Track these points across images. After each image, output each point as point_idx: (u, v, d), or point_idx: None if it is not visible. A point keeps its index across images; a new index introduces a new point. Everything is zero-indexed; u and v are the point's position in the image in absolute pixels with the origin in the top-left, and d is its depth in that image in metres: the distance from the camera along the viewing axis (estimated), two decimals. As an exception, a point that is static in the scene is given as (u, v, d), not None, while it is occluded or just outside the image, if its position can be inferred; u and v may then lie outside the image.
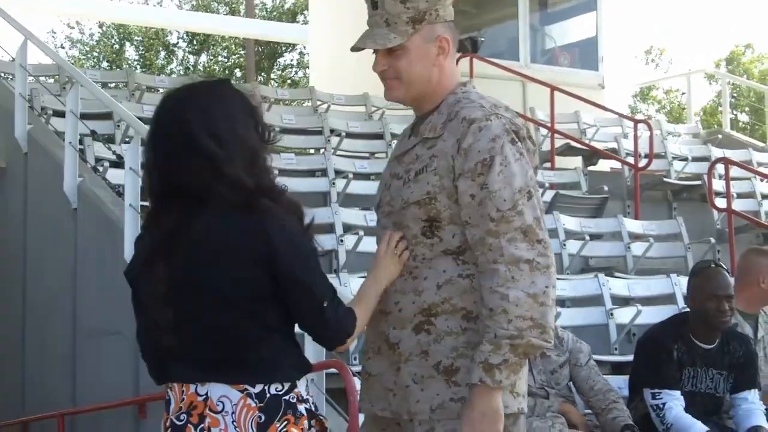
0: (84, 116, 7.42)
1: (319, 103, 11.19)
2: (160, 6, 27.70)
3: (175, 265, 2.43)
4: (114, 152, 7.41)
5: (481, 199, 2.56)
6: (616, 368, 6.24)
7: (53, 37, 27.68)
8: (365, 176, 8.59)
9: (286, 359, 2.48)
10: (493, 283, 2.52)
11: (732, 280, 5.10)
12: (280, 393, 2.44)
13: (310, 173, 8.58)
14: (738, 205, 9.43)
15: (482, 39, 12.19)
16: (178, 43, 28.35)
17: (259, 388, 2.43)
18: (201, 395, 2.44)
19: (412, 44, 2.68)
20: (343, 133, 9.79)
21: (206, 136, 2.44)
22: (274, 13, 28.33)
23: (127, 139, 8.36)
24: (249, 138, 2.50)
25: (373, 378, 2.71)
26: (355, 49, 2.74)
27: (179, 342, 2.45)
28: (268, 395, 2.43)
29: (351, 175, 8.25)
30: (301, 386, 2.50)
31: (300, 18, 28.13)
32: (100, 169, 7.31)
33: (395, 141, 2.97)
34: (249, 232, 2.42)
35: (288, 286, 2.44)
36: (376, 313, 2.67)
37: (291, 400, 2.46)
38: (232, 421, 2.41)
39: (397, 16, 2.67)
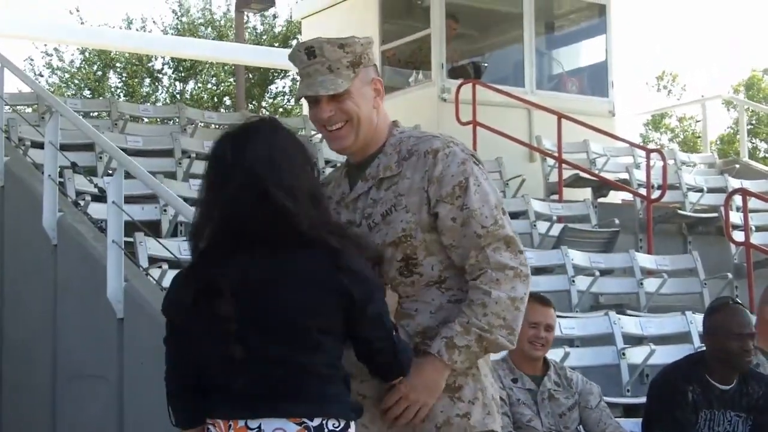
0: (64, 147, 7.45)
1: (312, 132, 11.26)
2: (145, 31, 27.83)
3: (243, 301, 2.56)
4: (96, 185, 7.43)
5: (463, 219, 2.83)
6: (629, 411, 6.25)
7: (31, 64, 27.77)
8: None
9: (345, 397, 2.64)
10: (479, 282, 2.83)
11: (752, 317, 5.12)
12: (337, 429, 2.58)
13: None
14: (757, 238, 9.48)
15: (485, 64, 12.29)
16: (163, 69, 28.45)
17: (317, 421, 2.56)
18: (252, 429, 2.55)
19: (355, 88, 2.90)
20: (338, 164, 9.83)
21: (277, 189, 2.60)
22: (265, 38, 28.46)
23: (110, 172, 8.44)
24: (310, 181, 2.68)
25: (368, 400, 2.86)
26: (301, 96, 2.94)
27: (241, 378, 2.56)
28: (325, 430, 2.56)
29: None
30: (353, 427, 2.63)
31: (292, 42, 28.30)
32: (81, 203, 7.33)
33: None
34: (324, 266, 2.59)
35: (363, 318, 2.64)
36: None
37: None
38: None
39: (338, 62, 2.87)
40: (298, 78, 2.98)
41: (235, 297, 2.56)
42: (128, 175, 6.34)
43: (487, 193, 2.87)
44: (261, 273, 2.58)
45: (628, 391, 6.67)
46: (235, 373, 2.56)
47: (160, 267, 6.26)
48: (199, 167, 9.41)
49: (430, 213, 2.85)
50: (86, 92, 27.14)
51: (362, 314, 2.63)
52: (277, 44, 27.65)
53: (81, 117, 7.77)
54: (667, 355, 6.45)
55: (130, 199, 6.61)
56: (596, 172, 11.02)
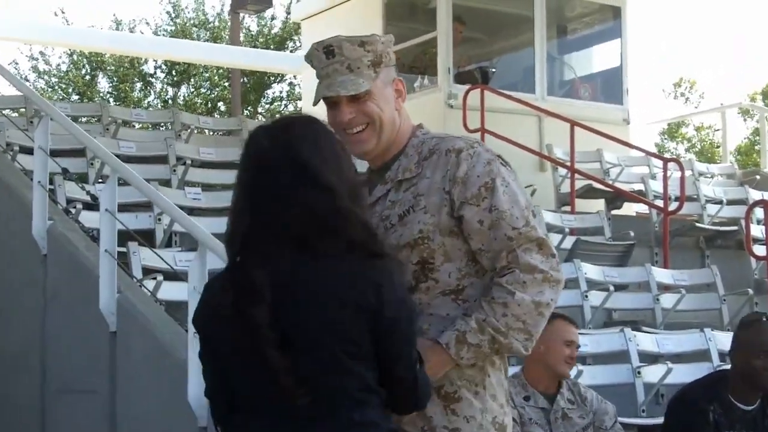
0: (54, 153, 7.46)
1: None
2: (135, 32, 27.90)
3: (282, 310, 2.48)
4: (88, 192, 7.45)
5: (491, 222, 2.80)
6: (644, 432, 6.28)
7: (16, 68, 27.79)
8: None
9: (384, 423, 2.57)
10: (504, 280, 2.79)
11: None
12: None
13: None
14: (778, 252, 9.49)
15: (493, 69, 12.32)
16: (155, 73, 28.52)
17: None
18: None
19: (376, 88, 2.88)
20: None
21: (326, 168, 2.54)
22: (261, 39, 28.53)
23: (101, 179, 8.47)
24: (352, 176, 2.63)
25: None
26: (319, 99, 2.90)
27: (271, 398, 2.50)
28: None
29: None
30: None
31: (289, 44, 28.35)
32: (73, 211, 7.36)
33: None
34: (359, 280, 2.51)
35: (388, 343, 2.54)
36: None
37: None
38: None
39: (359, 60, 2.86)
40: (317, 79, 2.94)
41: (272, 304, 2.47)
42: (121, 182, 6.36)
43: (516, 193, 2.84)
44: (296, 279, 2.49)
45: (643, 411, 6.69)
46: (266, 392, 2.48)
47: (155, 278, 6.29)
48: (195, 174, 9.46)
49: (453, 215, 2.82)
50: (74, 97, 27.17)
51: (389, 336, 2.53)
52: (273, 47, 27.73)
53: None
54: (684, 374, 6.48)
55: (123, 208, 6.63)
56: (610, 182, 11.05)
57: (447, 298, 2.84)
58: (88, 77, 27.96)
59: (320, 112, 2.89)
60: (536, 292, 2.78)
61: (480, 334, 2.76)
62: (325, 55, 2.87)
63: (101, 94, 27.37)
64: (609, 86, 12.78)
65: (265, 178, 2.55)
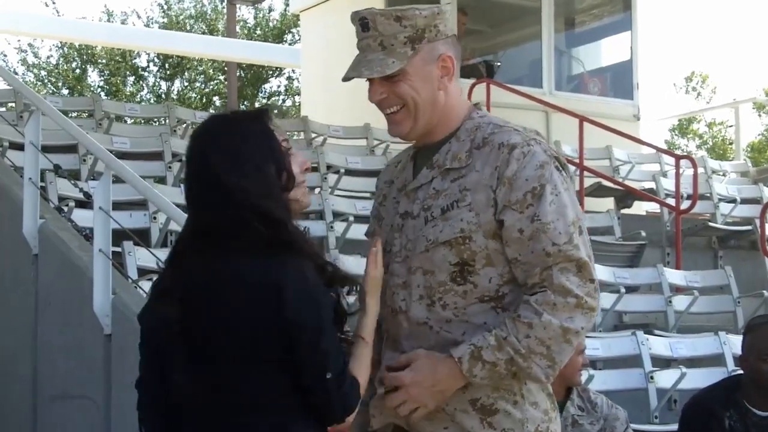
0: (45, 149, 7.46)
1: (313, 135, 11.31)
2: (127, 24, 27.90)
3: (190, 309, 2.56)
4: (81, 190, 7.45)
5: (532, 232, 2.64)
6: (657, 439, 6.29)
7: (4, 60, 27.83)
8: (368, 219, 8.62)
9: (295, 427, 2.55)
10: (534, 300, 2.64)
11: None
12: None
13: (304, 215, 8.64)
14: (795, 253, 9.50)
15: (498, 63, 12.33)
16: (148, 66, 28.53)
17: None
18: None
19: (413, 67, 2.72)
20: (342, 170, 9.88)
21: (231, 174, 2.58)
22: (258, 32, 28.54)
23: (94, 176, 8.47)
24: (269, 176, 2.61)
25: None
26: (347, 78, 2.77)
27: (192, 396, 2.57)
28: None
29: (352, 218, 8.32)
30: None
31: (287, 37, 28.36)
32: (65, 209, 7.35)
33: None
34: (263, 280, 2.52)
35: (293, 345, 2.51)
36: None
37: None
38: None
39: (393, 37, 2.70)
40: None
41: (182, 301, 2.57)
42: (116, 180, 6.35)
43: (565, 205, 2.68)
44: (205, 279, 2.57)
45: (656, 417, 6.70)
46: (176, 392, 2.58)
47: (151, 279, 6.28)
48: (191, 171, 9.44)
49: (496, 218, 2.67)
50: (64, 91, 27.18)
51: (292, 341, 2.52)
52: (271, 39, 27.73)
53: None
54: (698, 379, 6.48)
55: (117, 206, 6.63)
56: (620, 180, 11.05)
57: (485, 305, 2.70)
58: (78, 71, 27.96)
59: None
60: (566, 317, 2.63)
61: (497, 352, 2.63)
62: (360, 27, 2.74)
63: (92, 88, 27.36)
64: (619, 81, 12.79)
65: (185, 182, 2.72)
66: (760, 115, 30.58)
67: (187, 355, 2.54)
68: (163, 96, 28.00)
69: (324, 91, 12.60)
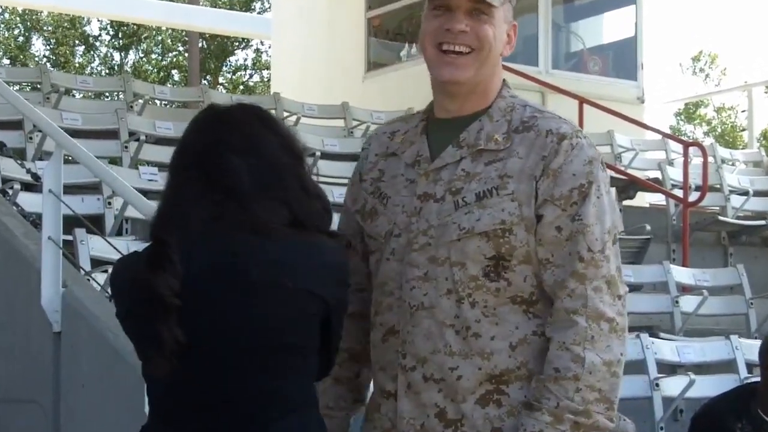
0: (-18, 125, 7.44)
1: (286, 114, 11.26)
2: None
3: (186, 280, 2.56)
4: (28, 171, 7.42)
5: (570, 233, 2.62)
6: (662, 452, 6.32)
7: (-63, 26, 27.76)
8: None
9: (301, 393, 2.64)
10: (568, 339, 2.59)
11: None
12: None
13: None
14: (812, 250, 9.56)
15: (489, 38, 12.32)
16: (100, 35, 28.46)
17: None
18: None
19: (500, 15, 2.74)
20: (318, 153, 9.86)
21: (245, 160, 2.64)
22: (223, 0, 28.50)
23: (42, 156, 8.42)
24: (294, 166, 2.69)
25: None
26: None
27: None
28: None
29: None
30: None
31: (256, 5, 28.33)
32: (10, 192, 7.33)
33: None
34: (246, 254, 2.56)
35: (333, 326, 2.66)
36: (418, 381, 2.68)
37: None
38: None
39: None
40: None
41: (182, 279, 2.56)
42: (67, 160, 6.32)
43: (605, 210, 2.65)
44: (241, 261, 2.57)
45: (661, 429, 6.73)
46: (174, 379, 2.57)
47: (105, 270, 6.26)
48: (150, 151, 9.42)
49: (536, 212, 2.64)
50: (5, 61, 27.07)
51: (334, 322, 2.68)
52: (238, 7, 27.69)
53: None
54: (708, 387, 6.52)
55: (67, 189, 6.60)
56: (622, 168, 11.06)
57: (517, 307, 2.66)
58: (21, 38, 27.84)
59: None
60: (604, 347, 2.58)
61: (559, 425, 2.57)
62: None
63: (36, 59, 27.26)
64: (622, 60, 12.84)
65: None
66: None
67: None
68: (116, 68, 27.92)
69: (297, 66, 12.54)
